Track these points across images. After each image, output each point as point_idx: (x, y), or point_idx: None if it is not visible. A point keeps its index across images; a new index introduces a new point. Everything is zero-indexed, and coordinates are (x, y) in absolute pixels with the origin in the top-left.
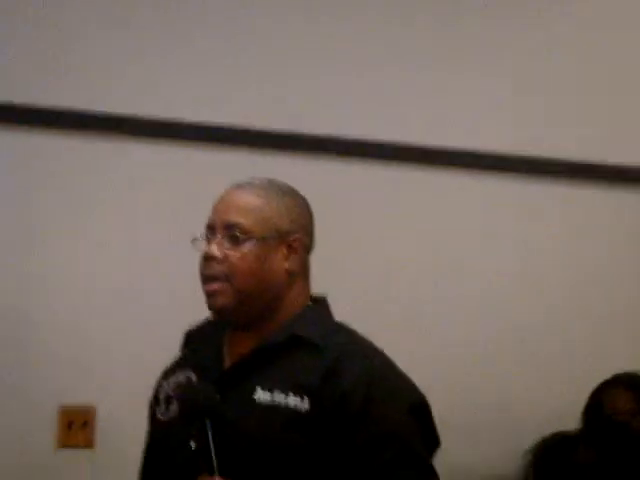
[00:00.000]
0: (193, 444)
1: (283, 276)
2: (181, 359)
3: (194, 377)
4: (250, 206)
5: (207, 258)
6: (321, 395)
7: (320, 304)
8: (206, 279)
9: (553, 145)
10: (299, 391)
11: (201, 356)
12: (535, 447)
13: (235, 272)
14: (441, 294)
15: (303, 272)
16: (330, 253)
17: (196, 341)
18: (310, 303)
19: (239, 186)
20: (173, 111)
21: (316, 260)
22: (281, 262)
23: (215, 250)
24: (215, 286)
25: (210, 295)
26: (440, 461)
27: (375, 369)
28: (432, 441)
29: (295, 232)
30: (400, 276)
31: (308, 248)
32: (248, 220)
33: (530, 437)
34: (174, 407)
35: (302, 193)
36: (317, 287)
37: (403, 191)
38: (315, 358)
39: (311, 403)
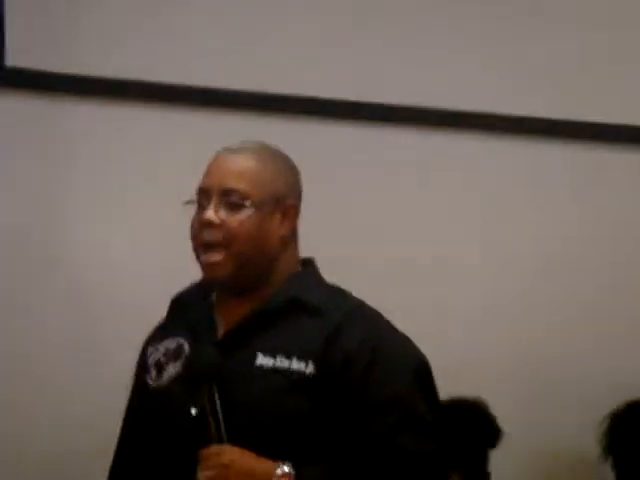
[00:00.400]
0: (194, 410)
1: (278, 242)
2: (168, 325)
3: (186, 344)
4: (247, 171)
5: (204, 224)
6: (325, 359)
7: (311, 267)
8: (203, 246)
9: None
10: (303, 355)
11: (192, 322)
12: (609, 416)
13: (234, 238)
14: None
15: (294, 236)
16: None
17: (184, 307)
18: (300, 266)
19: (233, 150)
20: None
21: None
22: (276, 228)
23: (213, 216)
24: (214, 257)
25: (208, 267)
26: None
27: (378, 332)
28: (434, 404)
29: (289, 197)
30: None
31: (299, 212)
32: (246, 186)
33: (606, 405)
34: (168, 373)
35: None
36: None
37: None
38: (316, 322)
39: (316, 367)
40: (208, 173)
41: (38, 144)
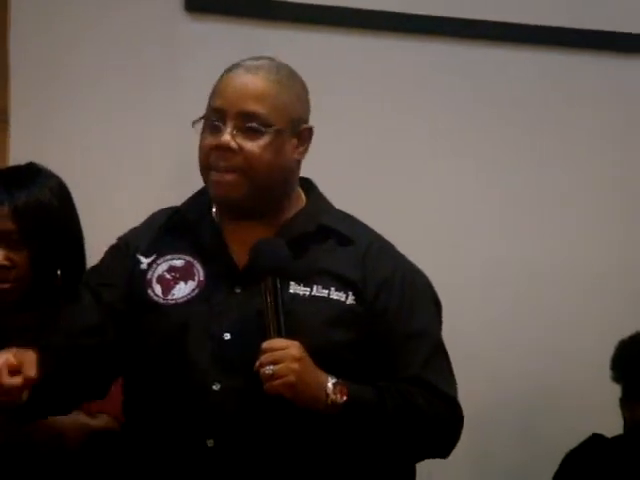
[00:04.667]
0: (228, 335)
1: (293, 167)
2: (165, 240)
3: (197, 263)
4: (267, 94)
5: (219, 148)
6: (362, 288)
7: (316, 189)
8: (218, 170)
9: None
10: (341, 285)
11: (198, 244)
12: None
13: (253, 165)
14: None
15: None
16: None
17: (185, 226)
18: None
19: (250, 69)
20: None
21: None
22: (292, 152)
23: (231, 141)
24: (229, 177)
25: (221, 186)
26: None
27: (402, 263)
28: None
29: (304, 120)
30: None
31: (312, 134)
32: (266, 110)
33: None
34: (181, 292)
35: None
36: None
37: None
38: (347, 250)
39: (355, 297)
40: (223, 92)
41: None
